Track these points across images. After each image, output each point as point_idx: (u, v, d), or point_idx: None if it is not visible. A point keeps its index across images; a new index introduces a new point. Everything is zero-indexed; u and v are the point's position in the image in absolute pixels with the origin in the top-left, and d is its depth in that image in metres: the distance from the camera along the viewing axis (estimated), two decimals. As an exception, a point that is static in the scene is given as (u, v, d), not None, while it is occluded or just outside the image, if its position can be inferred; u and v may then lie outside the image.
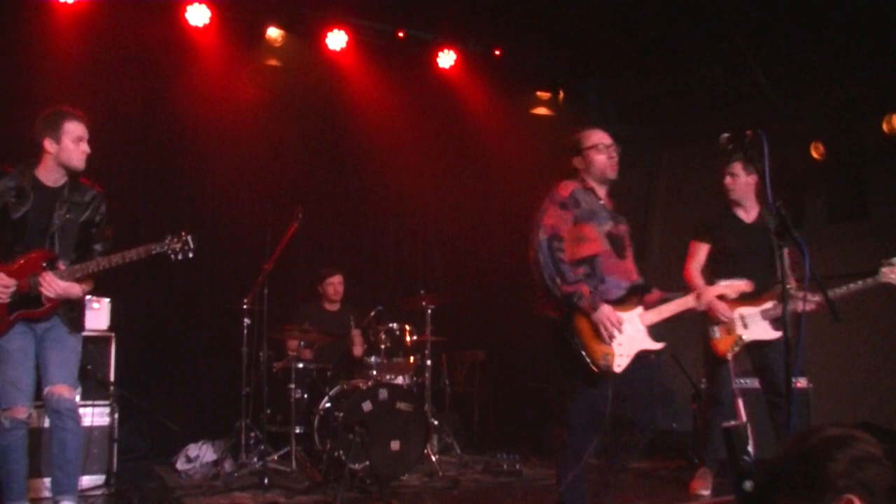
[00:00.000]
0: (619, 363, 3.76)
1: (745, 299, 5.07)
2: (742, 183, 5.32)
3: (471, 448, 7.01)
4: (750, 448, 5.42)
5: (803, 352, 5.96)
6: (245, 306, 6.19)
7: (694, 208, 8.28)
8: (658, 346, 3.92)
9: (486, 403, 7.79)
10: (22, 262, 4.05)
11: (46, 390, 4.08)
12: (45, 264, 4.08)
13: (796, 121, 7.20)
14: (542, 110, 8.61)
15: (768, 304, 5.15)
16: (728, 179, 5.32)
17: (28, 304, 4.08)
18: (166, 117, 7.13)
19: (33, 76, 6.30)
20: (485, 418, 7.69)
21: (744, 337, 5.08)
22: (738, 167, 5.30)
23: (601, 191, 4.05)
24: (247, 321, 6.23)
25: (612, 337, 3.74)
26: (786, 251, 5.28)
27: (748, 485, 4.79)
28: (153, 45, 6.87)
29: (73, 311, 4.24)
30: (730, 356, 5.11)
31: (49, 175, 4.18)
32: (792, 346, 3.22)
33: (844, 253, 5.97)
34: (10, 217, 4.09)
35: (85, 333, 5.30)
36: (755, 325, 5.17)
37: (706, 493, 5.32)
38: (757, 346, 5.19)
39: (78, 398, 4.47)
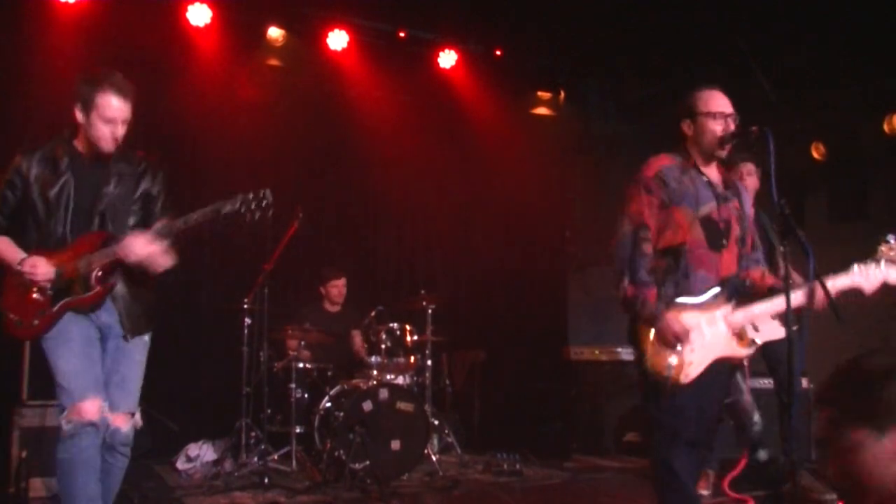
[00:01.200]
0: (689, 373, 3.27)
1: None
2: (756, 182, 5.17)
3: (471, 448, 7.01)
4: (756, 417, 5.46)
5: (805, 352, 5.95)
6: (245, 306, 6.20)
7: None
8: (744, 352, 3.43)
9: (487, 403, 7.79)
10: (72, 248, 3.45)
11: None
12: (102, 244, 3.47)
13: (797, 121, 7.20)
14: (542, 110, 8.60)
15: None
16: (748, 180, 5.08)
17: (75, 290, 3.45)
18: (166, 117, 7.11)
19: (33, 76, 6.29)
20: (485, 418, 7.69)
21: (757, 340, 5.06)
22: (752, 167, 5.13)
23: (709, 166, 3.48)
24: (247, 321, 6.23)
25: (677, 346, 3.27)
26: None
27: (762, 454, 4.81)
28: (154, 45, 6.86)
29: (138, 304, 3.64)
30: (745, 360, 5.12)
31: (87, 145, 3.55)
32: (793, 345, 3.20)
33: (845, 253, 5.95)
34: (46, 194, 3.45)
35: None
36: (765, 326, 5.15)
37: (706, 492, 5.32)
38: (769, 347, 5.19)
39: (137, 424, 3.64)
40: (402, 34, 7.63)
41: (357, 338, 6.97)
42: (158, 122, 7.10)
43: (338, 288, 7.03)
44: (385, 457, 5.66)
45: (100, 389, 3.39)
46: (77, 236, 3.45)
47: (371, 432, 5.53)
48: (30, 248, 3.46)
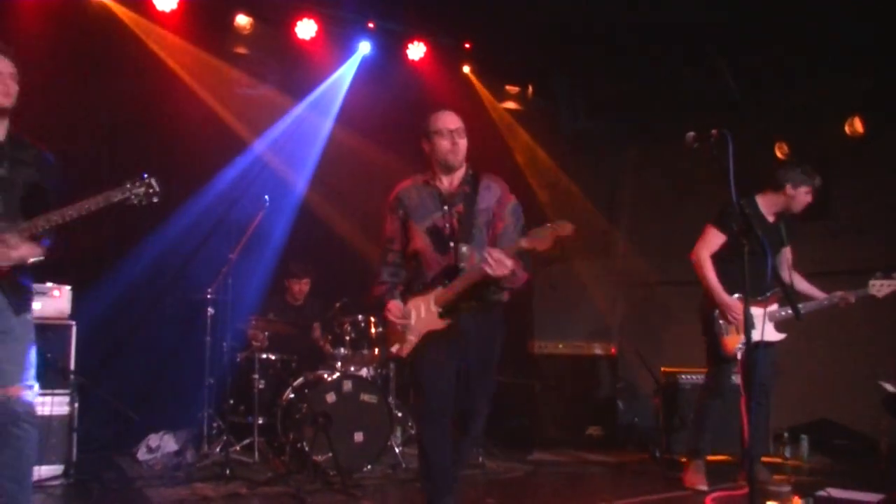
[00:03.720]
0: (406, 347, 3.99)
1: (752, 300, 5.13)
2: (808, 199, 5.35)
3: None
4: None
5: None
6: (209, 296, 6.13)
7: (659, 205, 8.36)
8: (442, 324, 3.88)
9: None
10: None
11: None
12: None
13: (761, 121, 7.30)
14: (510, 104, 8.62)
15: (774, 306, 5.21)
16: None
17: None
18: (131, 103, 7.01)
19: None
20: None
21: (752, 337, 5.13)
22: (806, 188, 5.28)
23: (448, 177, 4.04)
24: (210, 311, 6.17)
25: (402, 327, 3.97)
26: (787, 249, 5.43)
27: None
28: (120, 29, 6.76)
29: (16, 281, 3.48)
30: (739, 355, 5.18)
31: None
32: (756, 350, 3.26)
33: (808, 252, 6.06)
34: None
35: (45, 321, 5.23)
36: (763, 327, 5.22)
37: (704, 487, 5.29)
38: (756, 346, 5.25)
39: (37, 395, 3.64)
40: (371, 25, 7.61)
41: (317, 329, 6.95)
42: (123, 109, 7.02)
43: (299, 286, 7.04)
44: (348, 448, 5.65)
45: None
46: None
47: (334, 424, 5.52)
48: None
